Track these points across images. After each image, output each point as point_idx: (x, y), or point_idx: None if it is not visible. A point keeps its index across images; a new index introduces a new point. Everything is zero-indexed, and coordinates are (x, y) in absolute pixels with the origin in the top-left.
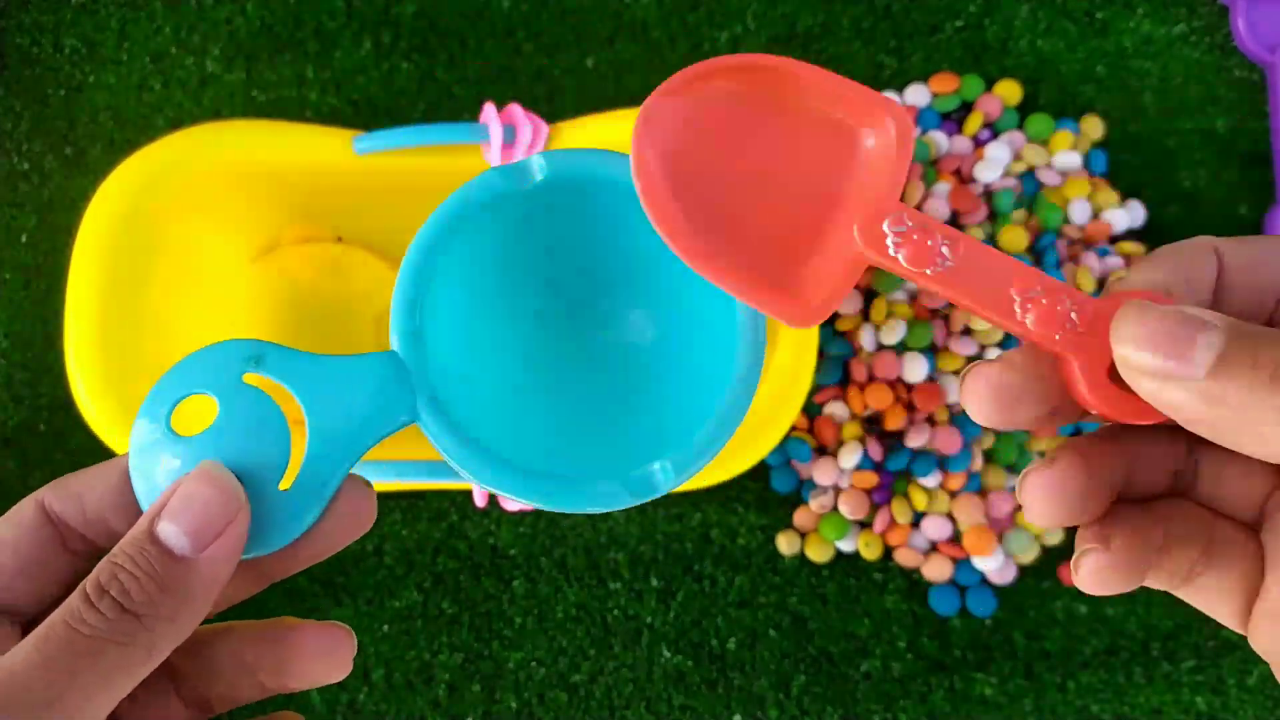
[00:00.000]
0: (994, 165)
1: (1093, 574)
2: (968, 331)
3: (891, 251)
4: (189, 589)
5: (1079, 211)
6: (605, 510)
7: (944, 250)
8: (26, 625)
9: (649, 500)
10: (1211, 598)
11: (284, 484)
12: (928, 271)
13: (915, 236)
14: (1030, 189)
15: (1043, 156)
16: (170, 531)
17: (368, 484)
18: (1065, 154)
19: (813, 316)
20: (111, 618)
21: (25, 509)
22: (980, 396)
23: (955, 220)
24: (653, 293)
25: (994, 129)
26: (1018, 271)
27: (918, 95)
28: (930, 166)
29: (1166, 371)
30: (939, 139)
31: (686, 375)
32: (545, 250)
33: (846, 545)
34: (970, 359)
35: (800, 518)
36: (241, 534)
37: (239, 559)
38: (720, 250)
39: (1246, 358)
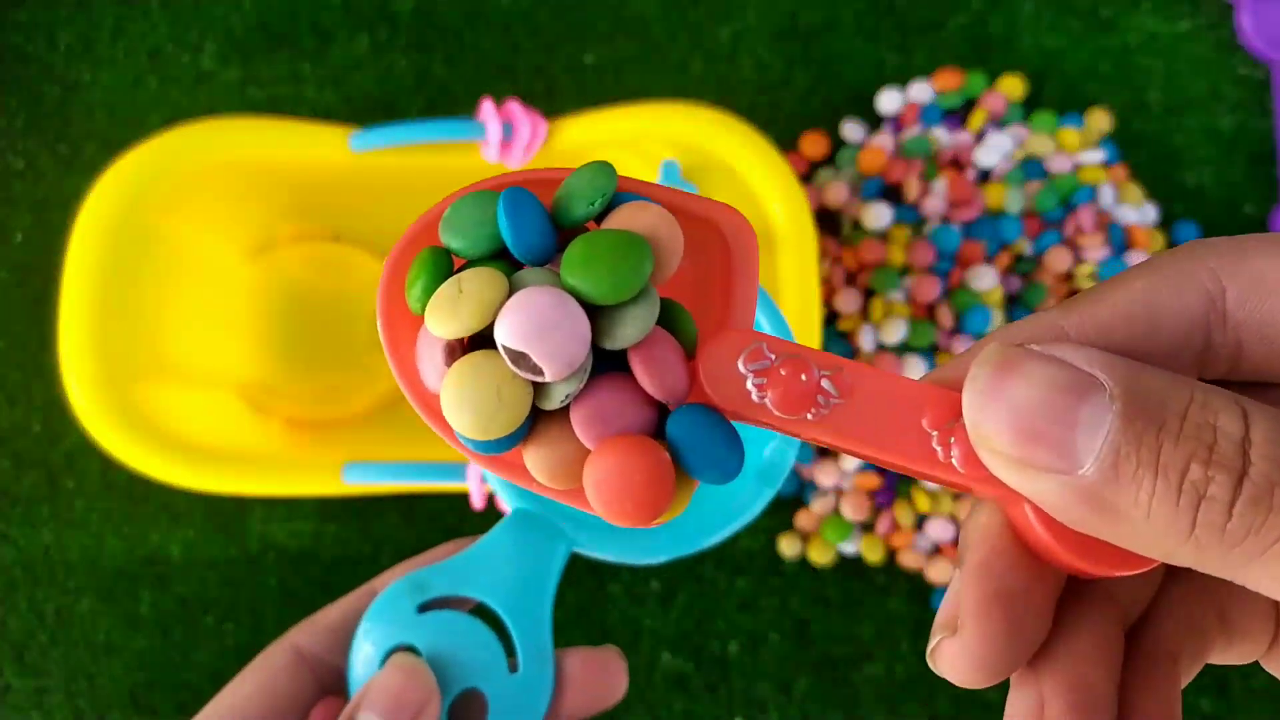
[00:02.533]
0: (993, 151)
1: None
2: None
3: (755, 398)
4: None
5: (1105, 196)
6: (759, 512)
7: (824, 385)
8: None
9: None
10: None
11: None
12: (809, 416)
13: (784, 373)
14: (1033, 174)
15: (1048, 145)
16: None
17: (613, 653)
18: (1088, 150)
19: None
20: None
21: (275, 656)
22: (969, 676)
23: (948, 214)
24: None
25: (999, 125)
26: (929, 398)
27: (921, 92)
28: (930, 162)
29: (1034, 463)
30: (940, 135)
31: None
32: None
33: (849, 548)
34: None
35: (802, 520)
36: (434, 712)
37: None
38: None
39: (1146, 453)
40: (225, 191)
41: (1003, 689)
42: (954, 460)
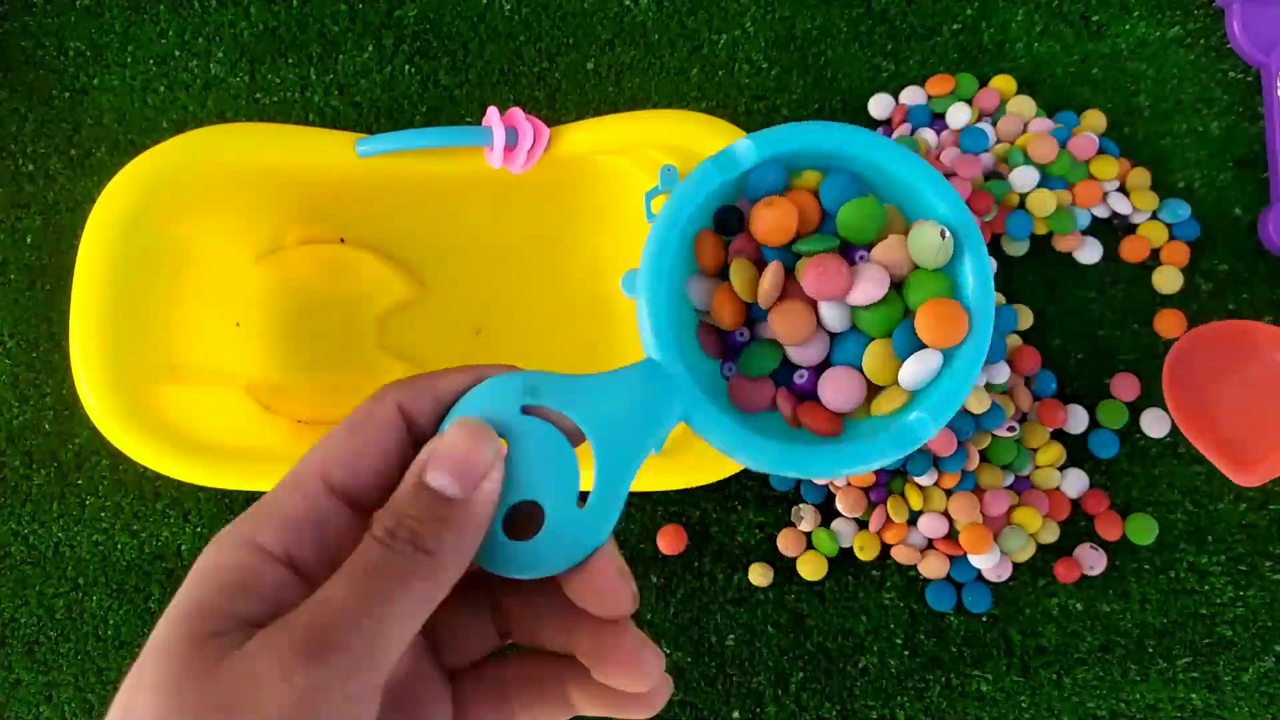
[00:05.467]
0: (980, 136)
1: None
2: None
3: None
4: (464, 526)
5: (1117, 201)
6: (874, 468)
7: None
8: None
9: (907, 453)
10: None
11: (581, 503)
12: None
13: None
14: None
15: (1029, 109)
16: (442, 480)
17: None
18: (1084, 136)
19: (1255, 481)
20: (410, 556)
21: (384, 409)
22: None
23: None
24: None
25: (991, 120)
26: None
27: (913, 96)
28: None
29: None
30: (928, 136)
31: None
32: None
33: (843, 544)
34: None
35: (785, 542)
36: (499, 476)
37: (499, 495)
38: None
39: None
40: (234, 195)
41: (998, 685)
42: None
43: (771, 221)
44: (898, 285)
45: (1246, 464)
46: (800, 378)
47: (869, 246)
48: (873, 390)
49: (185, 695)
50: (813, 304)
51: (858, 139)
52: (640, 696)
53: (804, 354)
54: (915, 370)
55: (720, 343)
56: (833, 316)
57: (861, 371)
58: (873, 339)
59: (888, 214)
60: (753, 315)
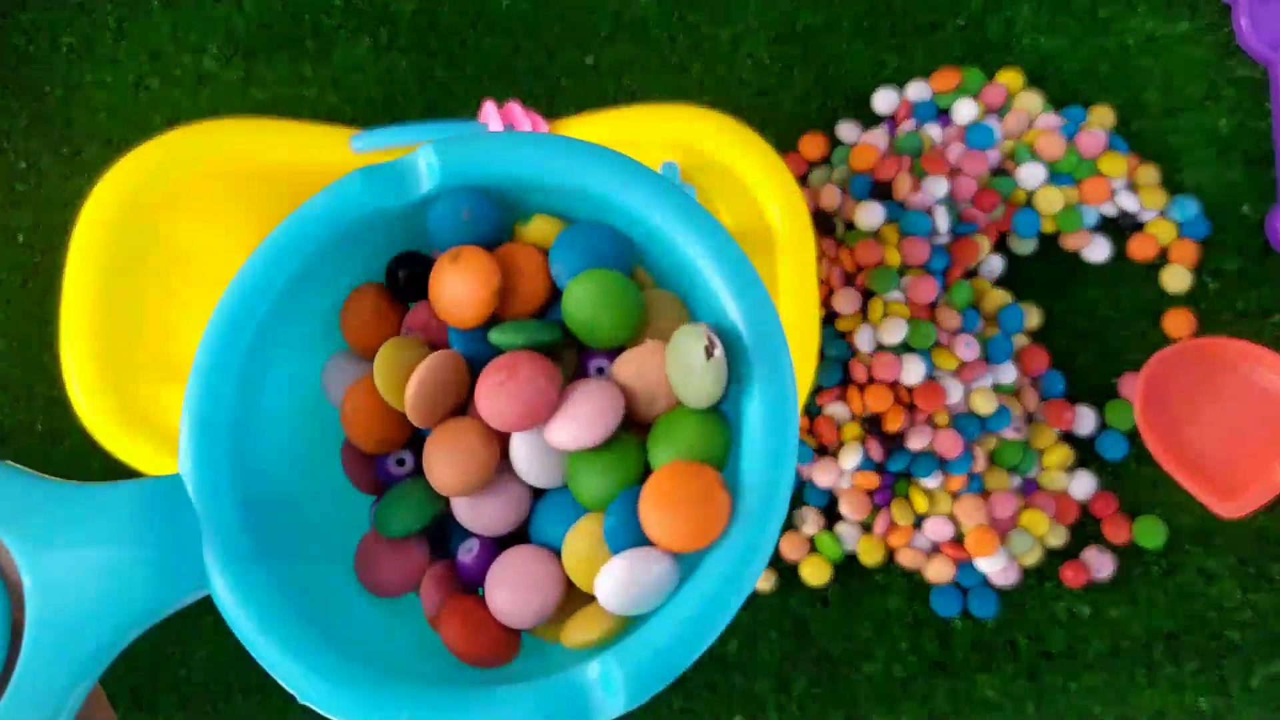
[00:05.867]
0: (986, 132)
1: None
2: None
3: None
4: None
5: (1127, 199)
6: None
7: None
8: None
9: None
10: None
11: None
12: None
13: None
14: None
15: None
16: None
17: None
18: (1093, 131)
19: (1237, 512)
20: None
21: None
22: None
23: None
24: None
25: (998, 115)
26: None
27: (919, 92)
28: (917, 159)
29: None
30: (933, 132)
31: None
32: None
33: (847, 547)
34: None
35: (787, 545)
36: None
37: None
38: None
39: None
40: (227, 192)
41: (1005, 691)
42: None
43: (455, 289)
44: (646, 425)
45: (1228, 493)
46: (466, 553)
47: (613, 352)
48: (575, 597)
49: None
50: (498, 434)
51: (598, 169)
52: None
53: (477, 514)
54: (618, 581)
55: (370, 473)
56: (529, 460)
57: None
58: (587, 509)
59: (656, 304)
60: (422, 434)
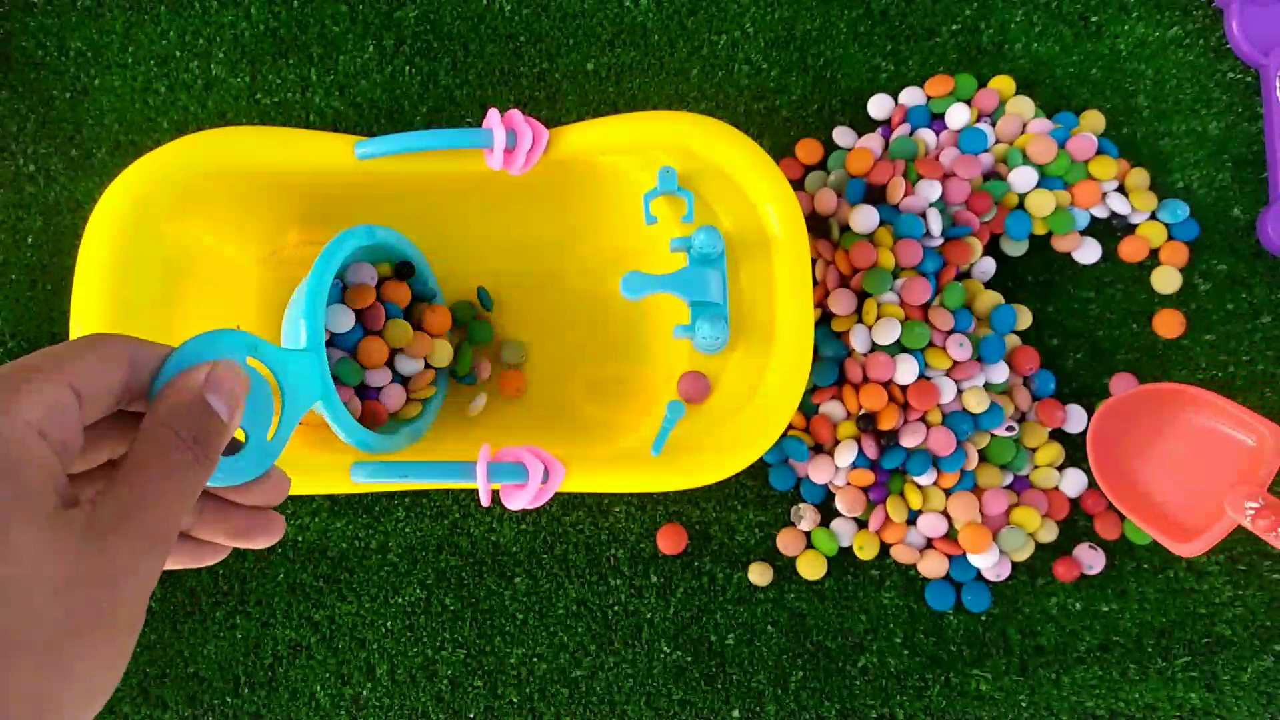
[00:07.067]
0: (979, 137)
1: None
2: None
3: (1247, 520)
4: (224, 437)
5: (1116, 202)
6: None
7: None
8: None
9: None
10: None
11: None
12: (1275, 534)
13: (1270, 515)
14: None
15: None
16: (219, 403)
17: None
18: (1084, 136)
19: (1196, 552)
20: (191, 451)
21: (117, 345)
22: None
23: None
24: None
25: (991, 120)
26: None
27: (913, 97)
28: (911, 163)
29: None
30: (927, 137)
31: None
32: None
33: (842, 543)
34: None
35: (784, 541)
36: (243, 408)
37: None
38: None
39: None
40: (233, 197)
41: (997, 684)
42: None
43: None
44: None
45: (1186, 534)
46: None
47: None
48: None
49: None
50: None
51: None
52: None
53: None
54: None
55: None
56: None
57: None
58: None
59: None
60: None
